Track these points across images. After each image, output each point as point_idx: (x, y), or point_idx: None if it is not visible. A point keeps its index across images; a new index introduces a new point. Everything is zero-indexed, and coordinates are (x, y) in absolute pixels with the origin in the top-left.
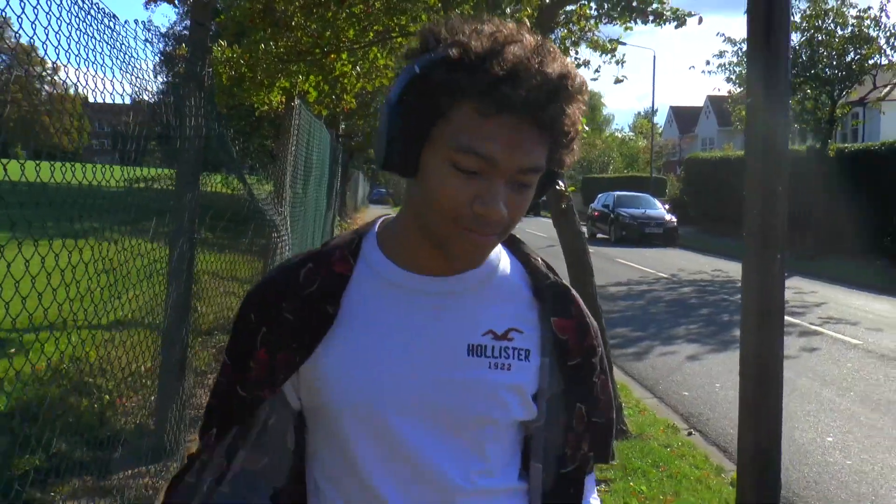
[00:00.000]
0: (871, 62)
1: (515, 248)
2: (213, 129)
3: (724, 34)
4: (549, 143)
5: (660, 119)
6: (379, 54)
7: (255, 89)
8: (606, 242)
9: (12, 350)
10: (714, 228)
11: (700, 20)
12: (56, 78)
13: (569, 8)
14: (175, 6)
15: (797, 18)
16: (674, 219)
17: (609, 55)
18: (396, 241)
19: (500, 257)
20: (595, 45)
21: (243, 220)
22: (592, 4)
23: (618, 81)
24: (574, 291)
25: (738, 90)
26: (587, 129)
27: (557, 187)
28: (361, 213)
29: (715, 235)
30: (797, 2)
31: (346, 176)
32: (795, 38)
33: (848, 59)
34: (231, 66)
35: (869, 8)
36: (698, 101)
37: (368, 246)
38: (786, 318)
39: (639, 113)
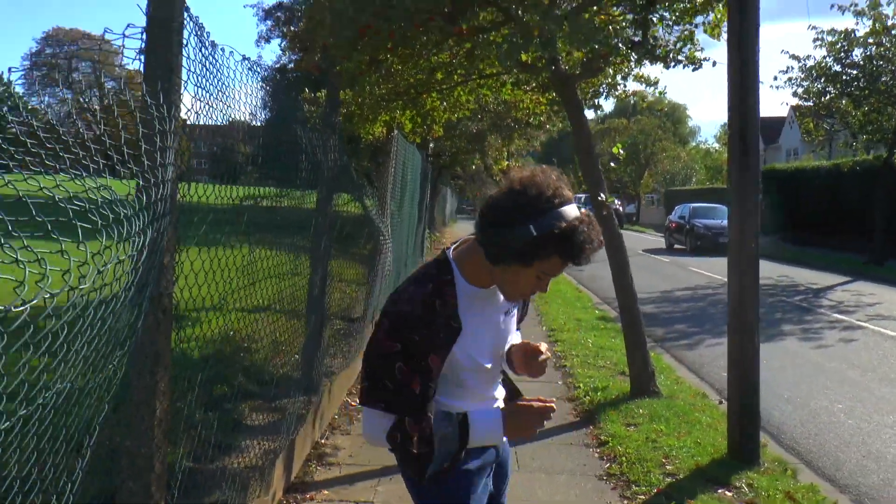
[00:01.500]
0: None
1: None
2: (344, 161)
3: (787, 51)
4: None
5: None
6: (461, 92)
7: (362, 123)
8: (682, 252)
9: (188, 323)
10: (790, 237)
11: (714, 63)
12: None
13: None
14: (281, 47)
15: (861, 34)
16: None
17: (653, 87)
18: (470, 271)
19: None
20: (639, 79)
21: (346, 236)
22: (625, 55)
23: (659, 109)
24: None
25: (808, 103)
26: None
27: (599, 198)
28: (450, 226)
29: (791, 244)
30: (861, 21)
31: (435, 191)
32: (859, 52)
33: None
34: (344, 106)
35: None
36: (783, 111)
37: (457, 277)
38: (835, 315)
39: (724, 124)
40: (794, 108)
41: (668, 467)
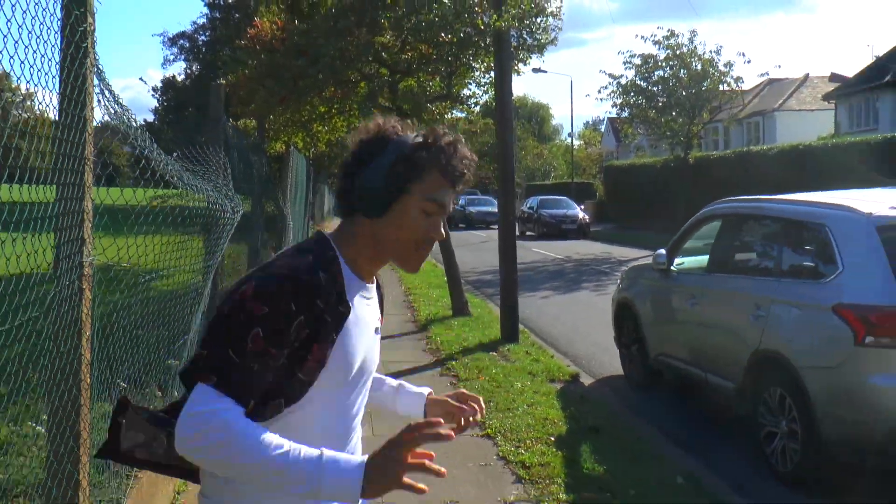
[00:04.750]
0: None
1: None
2: (267, 174)
3: (605, 70)
4: None
5: (602, 129)
6: (338, 121)
7: (268, 142)
8: (532, 238)
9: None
10: (625, 223)
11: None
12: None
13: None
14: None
15: (662, 58)
16: (586, 217)
17: (465, 115)
18: (354, 260)
19: None
20: (461, 109)
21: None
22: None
23: (474, 130)
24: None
25: (624, 114)
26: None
27: None
28: (327, 221)
29: (625, 228)
30: (660, 50)
31: (315, 189)
32: (661, 73)
33: (700, 88)
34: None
35: (711, 51)
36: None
37: (343, 263)
38: (617, 272)
39: (587, 122)
40: (617, 116)
41: (463, 344)
